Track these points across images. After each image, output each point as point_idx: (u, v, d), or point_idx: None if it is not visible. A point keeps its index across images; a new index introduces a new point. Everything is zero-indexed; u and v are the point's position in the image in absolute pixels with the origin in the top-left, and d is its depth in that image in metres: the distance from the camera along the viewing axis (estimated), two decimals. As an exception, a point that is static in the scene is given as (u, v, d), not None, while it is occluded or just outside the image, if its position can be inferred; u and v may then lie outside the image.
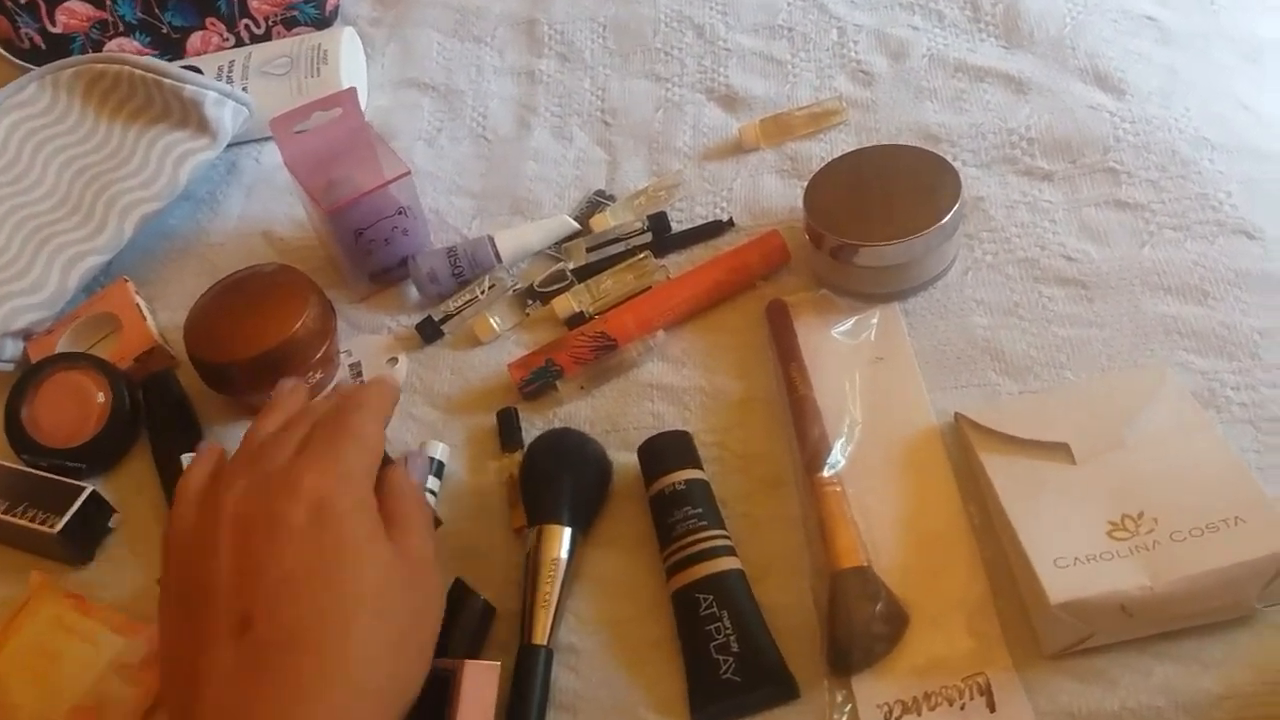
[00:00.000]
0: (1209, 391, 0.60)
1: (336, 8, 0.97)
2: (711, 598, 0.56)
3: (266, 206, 0.86)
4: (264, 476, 0.49)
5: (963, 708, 0.52)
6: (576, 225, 0.77)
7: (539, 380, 0.68)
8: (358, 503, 0.49)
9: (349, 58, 0.90)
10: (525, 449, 0.65)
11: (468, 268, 0.75)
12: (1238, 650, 0.51)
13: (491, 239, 0.76)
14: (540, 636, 0.57)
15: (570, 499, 0.61)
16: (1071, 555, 0.51)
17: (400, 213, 0.74)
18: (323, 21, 0.96)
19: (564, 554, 0.59)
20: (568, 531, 0.60)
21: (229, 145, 0.85)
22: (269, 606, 0.46)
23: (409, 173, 0.73)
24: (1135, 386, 0.58)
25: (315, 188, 0.72)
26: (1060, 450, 0.56)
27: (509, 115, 0.88)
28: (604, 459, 0.64)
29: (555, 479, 0.62)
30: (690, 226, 0.76)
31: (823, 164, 0.71)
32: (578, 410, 0.68)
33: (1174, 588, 0.49)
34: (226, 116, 0.82)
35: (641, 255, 0.73)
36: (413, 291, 0.77)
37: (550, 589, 0.58)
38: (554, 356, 0.68)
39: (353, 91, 0.72)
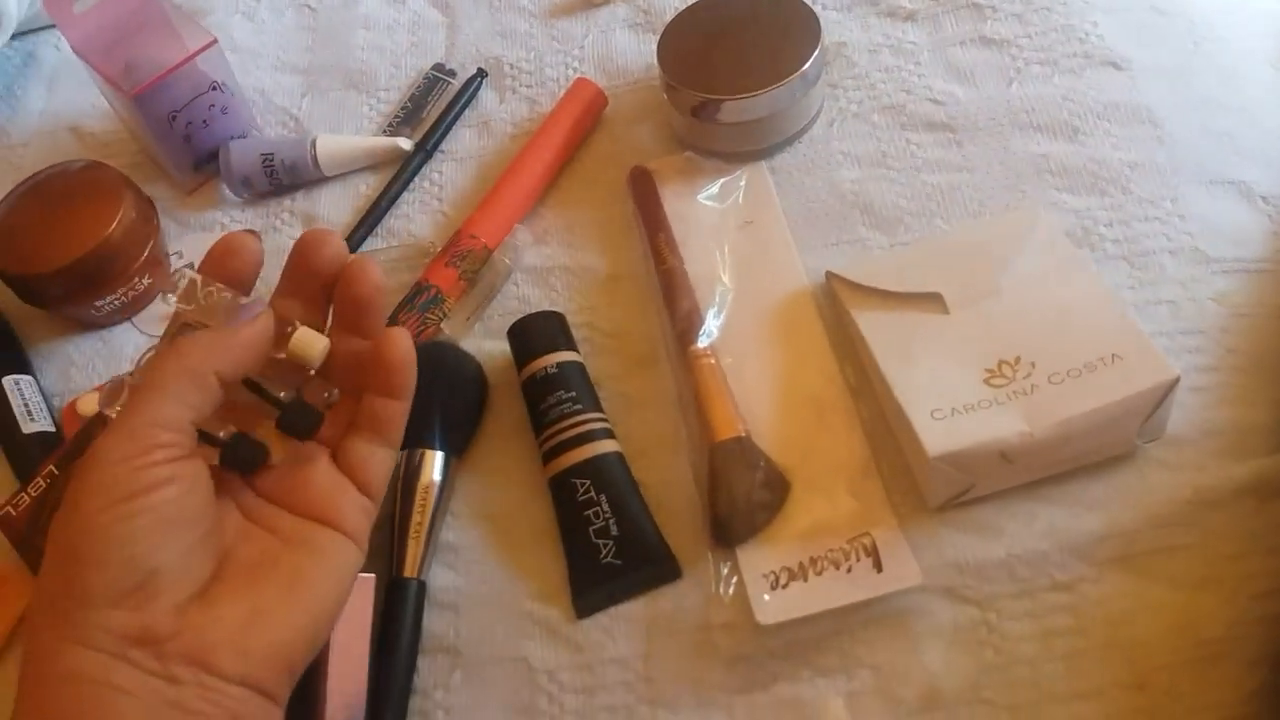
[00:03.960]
0: (1082, 230, 0.58)
1: None
2: (589, 482, 0.54)
3: (72, 99, 0.77)
4: None
5: (849, 570, 0.50)
6: (409, 149, 0.70)
7: (424, 310, 0.62)
8: None
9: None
10: None
11: (284, 175, 0.69)
12: (1120, 489, 0.50)
13: (314, 143, 0.69)
14: (410, 569, 0.53)
15: (445, 423, 0.57)
16: (949, 406, 0.50)
17: (215, 88, 0.67)
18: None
19: (437, 477, 0.55)
20: (440, 456, 0.56)
21: (20, 32, 0.76)
22: None
23: (215, 41, 0.66)
24: (1008, 230, 0.56)
25: (112, 72, 0.64)
26: (934, 300, 0.54)
27: (334, -20, 0.80)
28: (481, 377, 0.60)
29: (429, 401, 0.57)
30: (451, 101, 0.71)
31: (676, 14, 0.66)
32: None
33: (1053, 431, 0.48)
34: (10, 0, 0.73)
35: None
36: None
37: (422, 518, 0.54)
38: (427, 278, 0.61)
39: (125, -43, 0.64)
